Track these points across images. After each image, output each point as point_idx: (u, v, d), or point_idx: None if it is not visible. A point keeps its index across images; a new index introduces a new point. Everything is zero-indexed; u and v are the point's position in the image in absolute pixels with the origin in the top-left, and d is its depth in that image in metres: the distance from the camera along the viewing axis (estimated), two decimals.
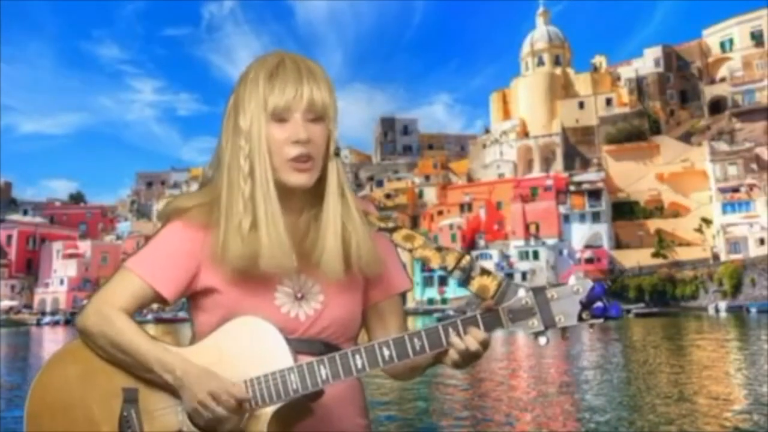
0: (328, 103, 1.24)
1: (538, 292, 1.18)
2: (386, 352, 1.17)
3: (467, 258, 1.26)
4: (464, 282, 1.25)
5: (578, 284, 1.18)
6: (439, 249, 1.29)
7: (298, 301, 1.26)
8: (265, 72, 1.23)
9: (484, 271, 1.24)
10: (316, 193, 1.27)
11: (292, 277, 1.25)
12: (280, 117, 1.21)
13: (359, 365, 1.17)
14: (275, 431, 1.17)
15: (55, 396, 1.19)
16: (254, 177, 1.22)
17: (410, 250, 1.31)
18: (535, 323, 1.17)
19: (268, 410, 1.16)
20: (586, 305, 1.16)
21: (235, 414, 1.14)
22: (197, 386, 1.13)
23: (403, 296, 1.44)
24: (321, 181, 1.27)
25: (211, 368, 1.16)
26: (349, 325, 1.30)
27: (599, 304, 1.16)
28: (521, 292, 1.19)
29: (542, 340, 1.19)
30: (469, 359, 1.19)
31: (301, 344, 1.22)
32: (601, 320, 1.17)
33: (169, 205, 1.29)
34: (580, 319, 1.17)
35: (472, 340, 1.17)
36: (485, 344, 1.18)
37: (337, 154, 1.28)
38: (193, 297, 1.27)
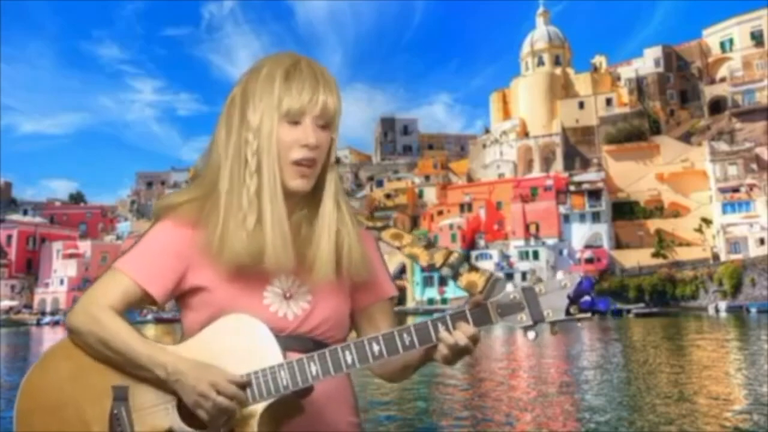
0: (338, 111, 1.26)
1: (526, 286, 1.20)
2: (376, 348, 1.17)
3: (455, 255, 1.29)
4: (453, 278, 1.27)
5: (566, 279, 1.19)
6: (427, 247, 1.31)
7: (286, 300, 1.25)
8: (281, 71, 1.23)
9: (473, 268, 1.26)
10: (308, 197, 1.28)
11: (281, 277, 1.25)
12: (292, 119, 1.22)
13: (349, 361, 1.17)
14: (266, 429, 1.16)
15: (45, 395, 1.17)
16: (261, 174, 1.22)
17: (399, 248, 1.33)
18: (524, 318, 1.18)
19: (259, 407, 1.15)
20: (574, 300, 1.17)
21: (238, 402, 1.13)
22: (194, 378, 1.12)
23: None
24: (317, 186, 1.28)
25: None
26: (337, 326, 1.30)
27: (587, 298, 1.17)
28: (509, 288, 1.20)
29: (531, 334, 1.19)
30: (458, 354, 1.19)
31: (289, 341, 1.21)
32: (589, 314, 1.18)
33: (159, 203, 1.29)
34: (568, 313, 1.17)
35: (461, 335, 1.17)
36: (474, 339, 1.18)
37: (336, 161, 1.30)
38: (181, 296, 1.27)
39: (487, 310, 1.19)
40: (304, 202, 1.29)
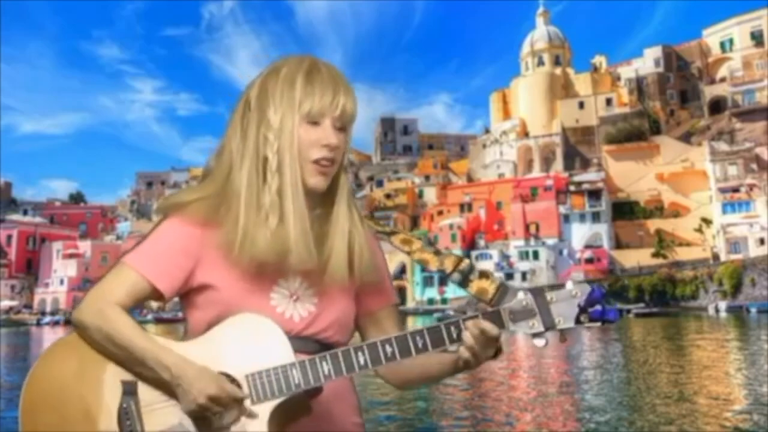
0: (355, 115, 1.28)
1: (537, 293, 1.21)
2: (389, 349, 1.17)
3: (466, 261, 1.29)
4: (462, 284, 1.27)
5: (576, 288, 1.20)
6: (437, 252, 1.32)
7: (293, 302, 1.26)
8: (302, 73, 1.25)
9: (483, 274, 1.27)
10: (321, 198, 1.29)
11: (288, 278, 1.25)
12: (312, 120, 1.24)
13: (362, 362, 1.17)
14: (275, 429, 1.16)
15: (50, 391, 1.16)
16: (283, 173, 1.23)
17: (408, 253, 1.34)
18: (536, 324, 1.19)
19: (269, 405, 1.15)
20: (584, 308, 1.19)
21: (235, 413, 1.13)
22: (195, 387, 1.11)
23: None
24: (329, 188, 1.29)
25: (212, 362, 1.16)
26: (343, 329, 1.31)
27: (597, 307, 1.18)
28: (520, 295, 1.21)
29: (540, 341, 1.20)
30: (483, 347, 1.19)
31: (295, 343, 1.21)
32: (598, 324, 1.19)
33: (167, 200, 1.29)
34: (578, 321, 1.19)
35: (476, 329, 1.18)
36: (495, 335, 1.19)
37: (350, 163, 1.32)
38: (186, 294, 1.26)
39: (499, 315, 1.20)
40: (318, 203, 1.29)
